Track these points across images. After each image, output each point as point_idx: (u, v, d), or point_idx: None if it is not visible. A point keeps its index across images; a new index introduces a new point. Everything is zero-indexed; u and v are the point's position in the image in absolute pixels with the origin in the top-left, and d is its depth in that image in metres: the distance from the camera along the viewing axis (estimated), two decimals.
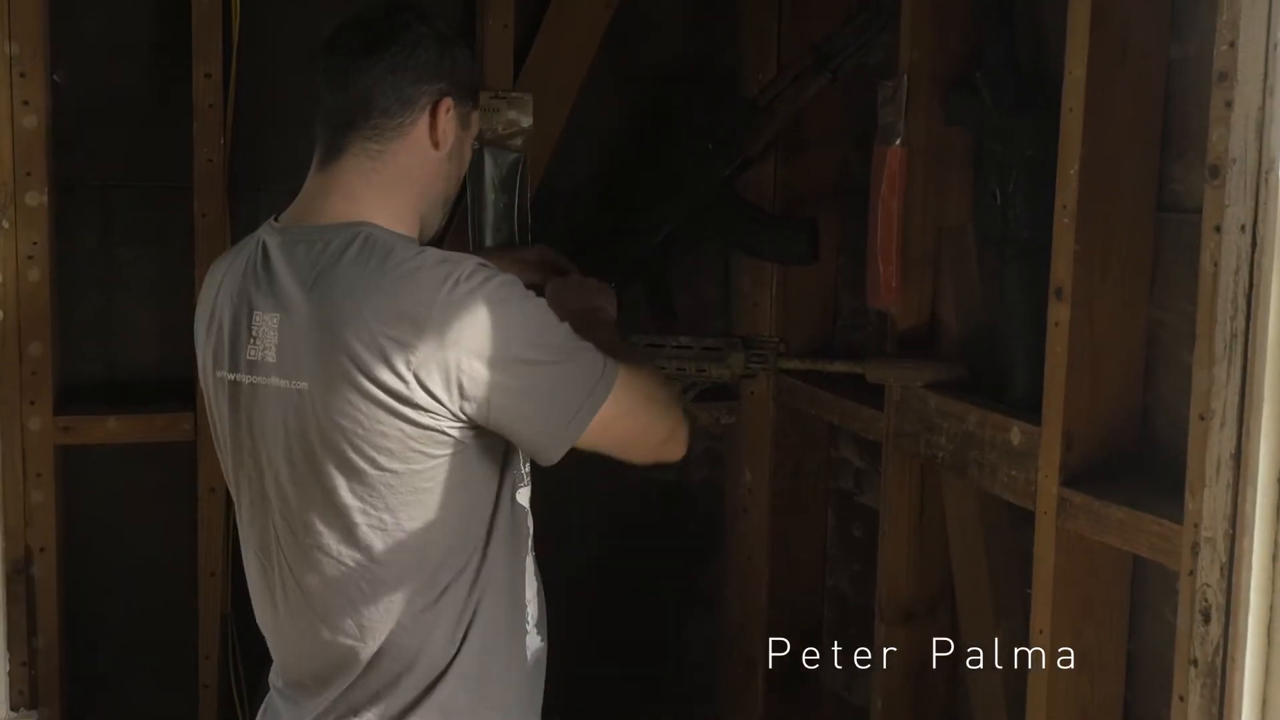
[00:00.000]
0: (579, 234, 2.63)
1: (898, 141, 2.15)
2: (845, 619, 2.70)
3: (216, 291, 1.69)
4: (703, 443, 2.82)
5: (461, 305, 1.54)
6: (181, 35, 2.38)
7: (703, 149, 2.35)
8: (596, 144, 2.66)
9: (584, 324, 1.75)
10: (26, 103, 2.29)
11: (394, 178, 1.65)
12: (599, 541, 2.72)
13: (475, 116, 1.77)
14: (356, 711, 1.66)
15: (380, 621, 1.63)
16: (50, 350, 2.37)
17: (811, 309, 2.68)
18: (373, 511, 1.59)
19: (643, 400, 1.69)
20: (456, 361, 1.53)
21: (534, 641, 1.75)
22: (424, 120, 1.66)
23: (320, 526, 1.61)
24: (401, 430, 1.56)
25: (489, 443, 1.63)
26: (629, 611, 2.79)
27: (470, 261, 1.58)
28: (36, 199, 2.32)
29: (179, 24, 2.39)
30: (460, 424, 1.58)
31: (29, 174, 2.31)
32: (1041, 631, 1.83)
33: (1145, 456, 1.83)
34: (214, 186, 2.40)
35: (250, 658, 2.52)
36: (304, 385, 1.58)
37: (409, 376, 1.53)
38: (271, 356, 1.61)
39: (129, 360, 2.51)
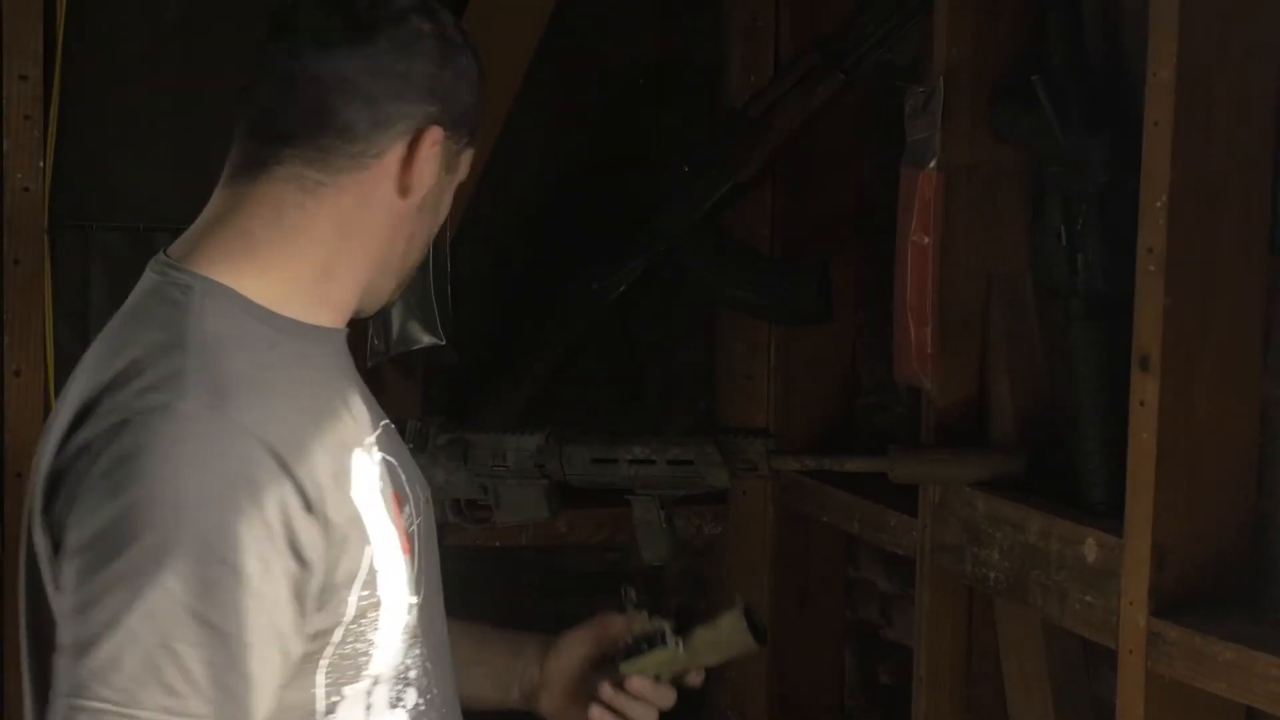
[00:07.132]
0: (515, 286, 2.62)
1: (932, 164, 2.15)
2: None
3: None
4: (678, 561, 2.79)
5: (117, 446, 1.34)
6: None
7: (678, 173, 2.36)
8: (538, 167, 2.67)
9: None
10: None
11: (327, 228, 1.50)
12: None
13: (467, 158, 1.61)
14: None
15: None
16: None
17: (822, 383, 2.69)
18: None
19: None
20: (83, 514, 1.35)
21: None
22: (395, 154, 1.51)
23: None
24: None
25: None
26: None
27: (203, 396, 1.36)
28: None
29: None
30: None
31: None
32: None
33: (1261, 577, 1.82)
34: (31, 223, 2.40)
35: None
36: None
37: (64, 524, 1.36)
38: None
39: None
